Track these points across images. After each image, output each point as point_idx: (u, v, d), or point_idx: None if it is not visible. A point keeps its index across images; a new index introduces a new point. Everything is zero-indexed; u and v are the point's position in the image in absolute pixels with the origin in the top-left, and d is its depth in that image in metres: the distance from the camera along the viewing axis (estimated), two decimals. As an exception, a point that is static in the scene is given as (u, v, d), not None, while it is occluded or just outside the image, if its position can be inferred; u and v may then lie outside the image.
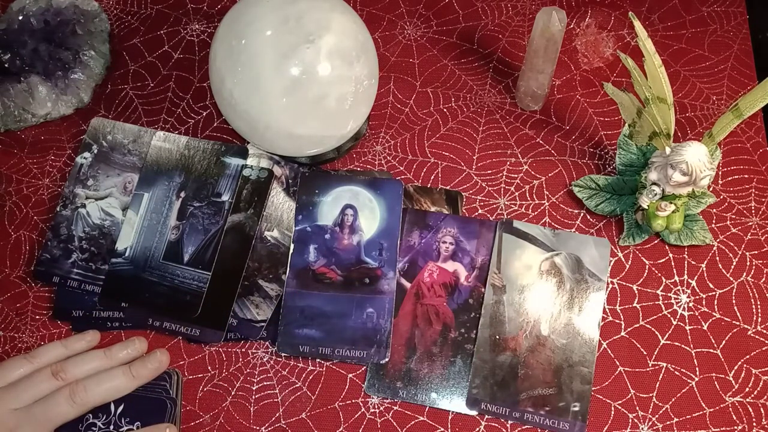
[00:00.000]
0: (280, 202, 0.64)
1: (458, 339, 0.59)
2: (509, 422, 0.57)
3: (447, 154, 0.67)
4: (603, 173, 0.65)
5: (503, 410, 0.56)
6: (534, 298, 0.60)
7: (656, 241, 0.63)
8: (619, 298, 0.61)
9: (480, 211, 0.64)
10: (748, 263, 0.62)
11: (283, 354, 0.59)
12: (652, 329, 0.60)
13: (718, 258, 0.62)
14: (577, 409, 0.56)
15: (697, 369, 0.58)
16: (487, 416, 0.57)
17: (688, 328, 0.60)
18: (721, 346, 0.59)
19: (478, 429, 0.57)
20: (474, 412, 0.57)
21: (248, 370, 0.59)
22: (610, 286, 0.61)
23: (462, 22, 0.73)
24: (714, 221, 0.63)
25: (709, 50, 0.71)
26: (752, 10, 0.73)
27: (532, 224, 0.63)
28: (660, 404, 0.57)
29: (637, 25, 0.54)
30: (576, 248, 0.61)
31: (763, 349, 0.59)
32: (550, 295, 0.60)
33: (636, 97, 0.58)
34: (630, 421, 0.57)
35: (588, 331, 0.59)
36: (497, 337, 0.58)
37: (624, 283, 0.61)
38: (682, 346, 0.59)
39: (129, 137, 0.67)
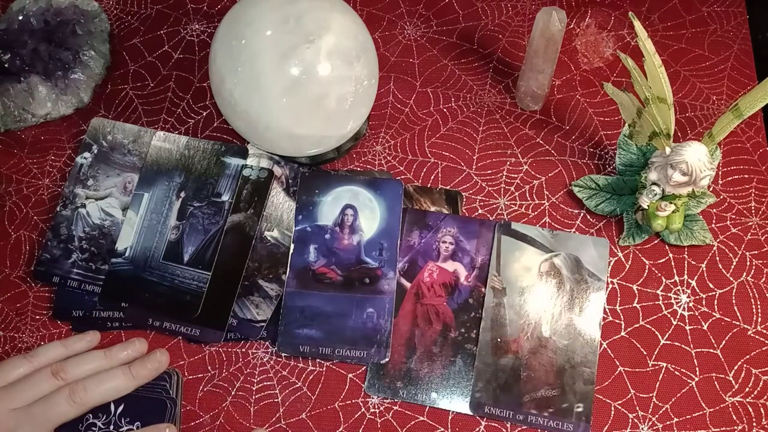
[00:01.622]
0: (280, 202, 0.64)
1: (458, 339, 0.59)
2: (509, 424, 0.57)
3: (447, 154, 0.67)
4: (603, 173, 0.65)
5: (507, 413, 0.56)
6: (534, 300, 0.60)
7: (656, 241, 0.63)
8: (619, 298, 0.61)
9: (480, 211, 0.64)
10: (748, 263, 0.62)
11: (283, 354, 0.59)
12: (652, 329, 0.60)
13: (718, 258, 0.62)
14: (580, 409, 0.56)
15: (697, 369, 0.58)
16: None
17: (688, 328, 0.60)
18: (721, 346, 0.59)
19: (478, 429, 0.57)
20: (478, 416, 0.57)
21: (248, 370, 0.59)
22: (610, 286, 0.61)
23: (462, 22, 0.73)
24: (714, 221, 0.63)
25: (709, 50, 0.71)
26: (752, 10, 0.73)
27: (531, 225, 0.63)
28: (660, 404, 0.57)
29: (637, 25, 0.54)
30: (575, 248, 0.61)
31: (763, 349, 0.59)
32: (551, 297, 0.60)
33: (636, 97, 0.58)
34: (630, 421, 0.57)
35: (589, 331, 0.59)
36: (498, 340, 0.58)
37: (624, 283, 0.61)
38: (682, 346, 0.59)
39: (129, 137, 0.67)
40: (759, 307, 0.60)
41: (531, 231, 0.62)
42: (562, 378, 0.57)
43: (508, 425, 0.57)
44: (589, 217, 0.64)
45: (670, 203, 0.58)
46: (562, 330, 0.59)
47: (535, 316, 0.59)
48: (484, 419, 0.57)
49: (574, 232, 0.63)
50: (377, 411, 0.58)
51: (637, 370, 0.58)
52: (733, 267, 0.62)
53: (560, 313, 0.59)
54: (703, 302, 0.61)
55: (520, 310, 0.59)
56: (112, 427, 0.54)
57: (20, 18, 0.69)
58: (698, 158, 0.54)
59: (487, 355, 0.58)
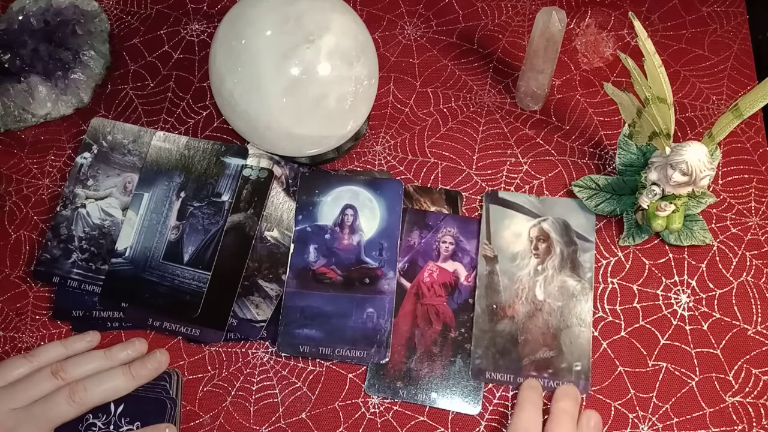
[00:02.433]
0: (280, 202, 0.64)
1: (458, 339, 0.59)
2: (511, 387, 0.57)
3: (447, 154, 0.67)
4: (603, 173, 0.65)
5: (507, 377, 0.57)
6: (526, 265, 0.60)
7: (656, 241, 0.63)
8: (619, 298, 0.61)
9: (480, 211, 0.64)
10: (748, 263, 0.62)
11: (283, 354, 0.59)
12: (652, 329, 0.60)
13: (718, 258, 0.62)
14: (579, 368, 0.57)
15: (697, 369, 0.58)
16: (487, 414, 0.57)
17: (688, 328, 0.60)
18: (721, 346, 0.59)
19: (478, 429, 0.57)
20: (477, 408, 0.57)
21: (248, 370, 0.59)
22: (610, 286, 0.61)
23: (462, 22, 0.73)
24: (714, 221, 0.63)
25: (709, 50, 0.71)
26: (752, 10, 0.73)
27: (518, 193, 0.64)
28: (660, 404, 0.57)
29: (637, 25, 0.54)
30: (562, 213, 0.62)
31: (763, 349, 0.59)
32: (542, 260, 0.61)
33: (636, 97, 0.58)
34: (630, 421, 0.57)
35: (581, 291, 0.60)
36: (494, 306, 0.59)
37: (624, 283, 0.61)
38: (682, 346, 0.59)
39: (129, 137, 0.67)
40: (759, 307, 0.60)
41: (518, 198, 0.63)
42: (559, 339, 0.58)
43: (510, 395, 0.57)
44: (589, 217, 0.64)
45: (670, 203, 0.57)
46: (556, 292, 0.59)
47: (528, 280, 0.60)
48: (484, 419, 0.57)
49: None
50: (377, 411, 0.58)
51: (637, 370, 0.58)
52: (733, 267, 0.62)
53: (552, 275, 0.60)
54: (703, 302, 0.61)
55: (512, 275, 0.60)
56: (112, 427, 0.54)
57: (20, 18, 0.69)
58: (698, 158, 0.54)
59: (484, 322, 0.59)
